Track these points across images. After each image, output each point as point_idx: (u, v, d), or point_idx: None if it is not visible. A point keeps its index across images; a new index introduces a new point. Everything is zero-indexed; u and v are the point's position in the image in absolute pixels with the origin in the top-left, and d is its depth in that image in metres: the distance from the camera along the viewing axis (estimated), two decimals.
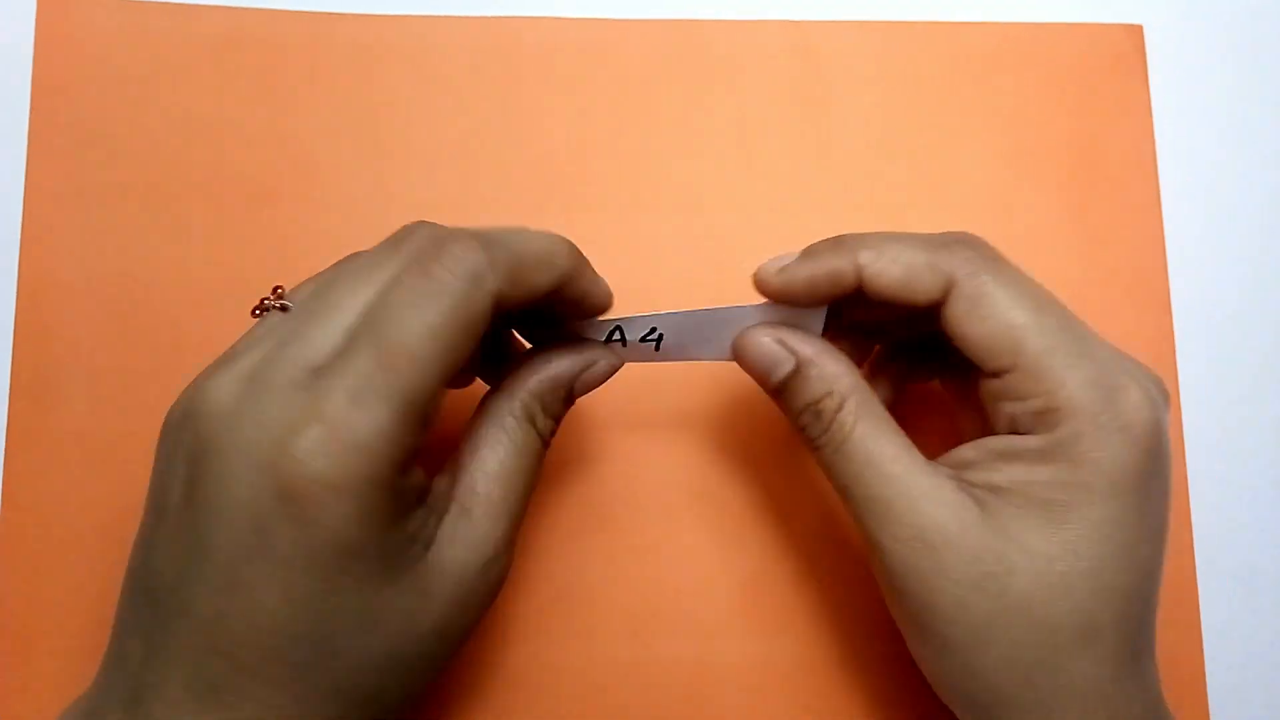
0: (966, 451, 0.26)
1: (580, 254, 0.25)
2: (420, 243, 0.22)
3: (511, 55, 0.33)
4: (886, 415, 0.25)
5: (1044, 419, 0.24)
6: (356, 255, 0.24)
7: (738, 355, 0.27)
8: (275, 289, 0.24)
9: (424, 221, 0.23)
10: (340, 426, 0.20)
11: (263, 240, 0.31)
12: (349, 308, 0.21)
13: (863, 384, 0.25)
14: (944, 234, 0.26)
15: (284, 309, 0.23)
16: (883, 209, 0.33)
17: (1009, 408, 0.25)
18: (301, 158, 0.32)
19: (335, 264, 0.24)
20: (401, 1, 0.33)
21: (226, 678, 0.20)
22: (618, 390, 0.31)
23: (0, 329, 0.31)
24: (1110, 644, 0.24)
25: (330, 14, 0.33)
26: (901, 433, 0.25)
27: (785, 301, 0.26)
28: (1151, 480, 0.24)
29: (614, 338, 0.27)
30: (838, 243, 0.26)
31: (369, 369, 0.20)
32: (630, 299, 0.32)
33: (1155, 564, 0.24)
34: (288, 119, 0.32)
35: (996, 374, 0.25)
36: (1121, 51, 0.35)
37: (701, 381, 0.32)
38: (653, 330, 0.27)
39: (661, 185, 0.33)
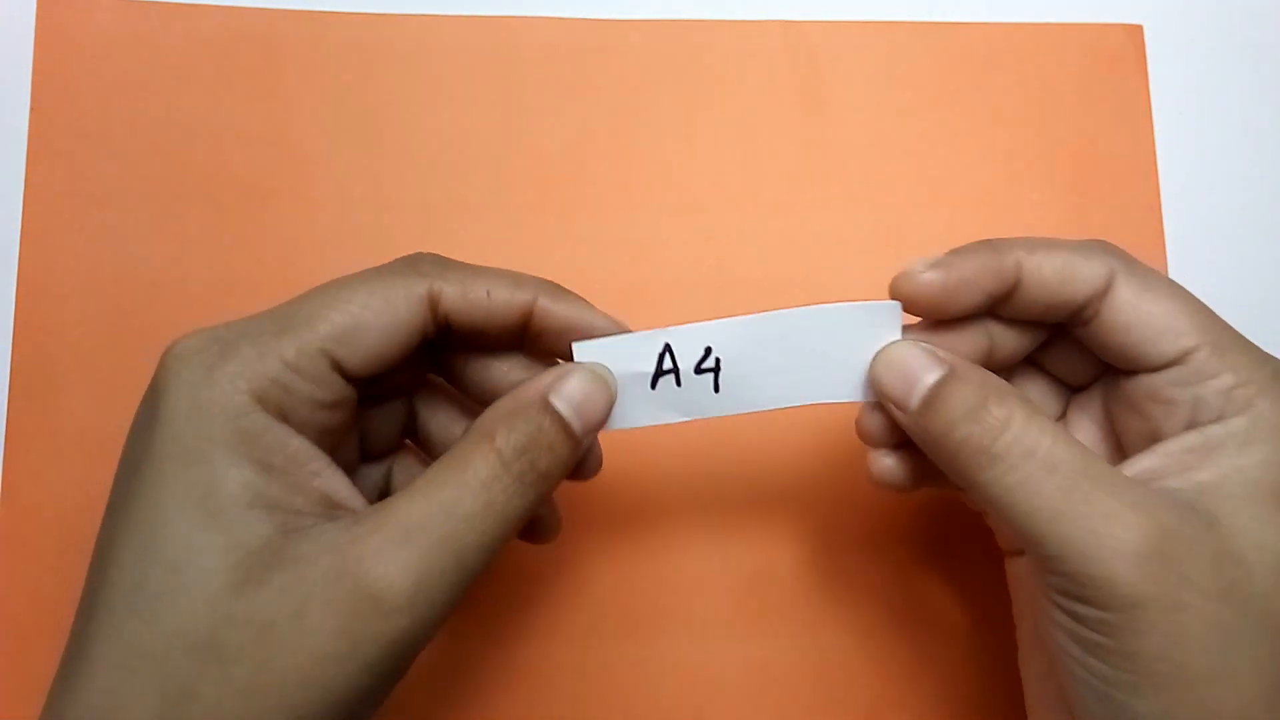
0: (1146, 461, 0.22)
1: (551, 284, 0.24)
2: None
3: (510, 55, 0.33)
4: (1067, 429, 0.23)
5: (1237, 397, 0.22)
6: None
7: (875, 372, 0.23)
8: None
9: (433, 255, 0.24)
10: (257, 358, 0.20)
11: (261, 239, 0.31)
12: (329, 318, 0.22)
13: (1027, 399, 0.22)
14: (1081, 240, 0.24)
15: None
16: (882, 208, 0.33)
17: (1190, 394, 0.22)
18: (300, 157, 0.32)
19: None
20: (401, 1, 0.33)
21: (82, 647, 0.20)
22: None
23: (0, 328, 0.31)
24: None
25: (329, 13, 0.33)
26: (1088, 458, 0.21)
27: (930, 306, 0.23)
28: None
29: (664, 369, 0.24)
30: (990, 243, 0.24)
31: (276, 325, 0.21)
32: (629, 299, 0.32)
33: None
34: (286, 118, 0.32)
35: (1171, 362, 0.22)
36: (1121, 51, 0.35)
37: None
38: (707, 354, 0.23)
39: (660, 185, 0.33)
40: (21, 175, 0.31)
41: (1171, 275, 0.33)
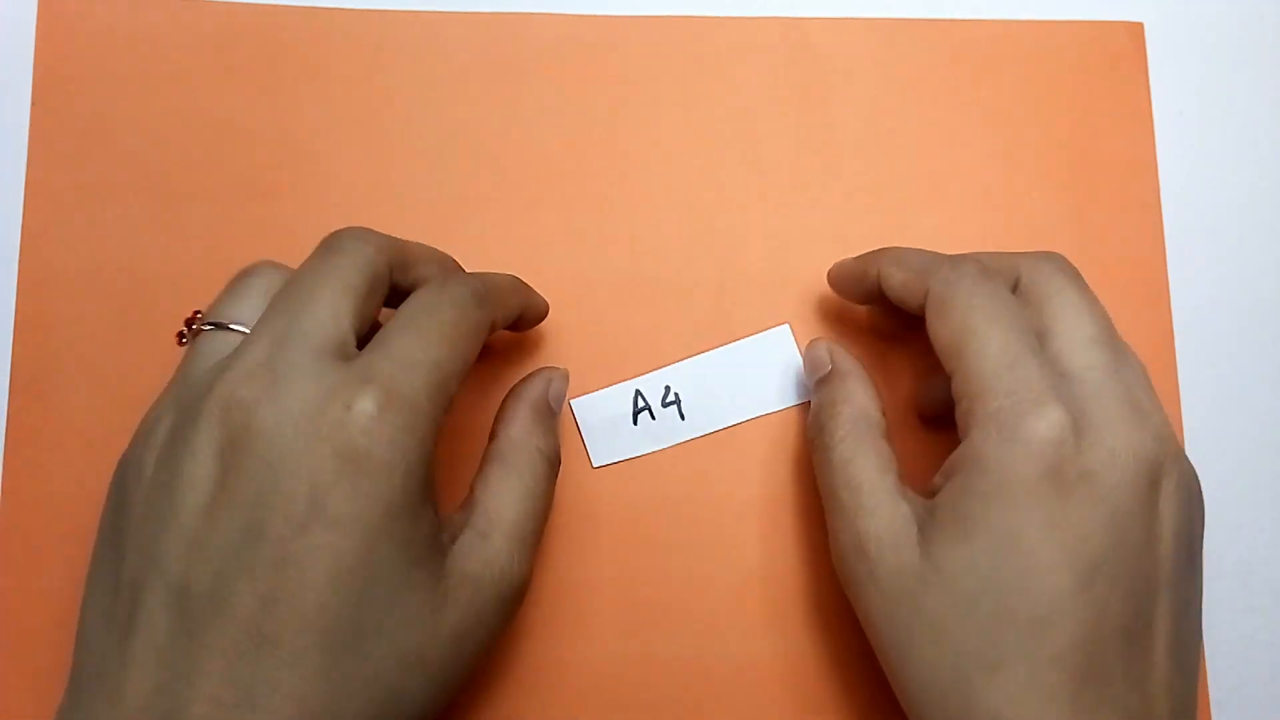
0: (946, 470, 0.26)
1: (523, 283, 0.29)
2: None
3: (512, 51, 0.33)
4: (880, 439, 0.27)
5: (966, 425, 0.25)
6: (300, 269, 0.25)
7: (804, 359, 0.31)
8: (193, 316, 0.26)
9: (352, 231, 0.26)
10: (393, 387, 0.22)
11: (263, 235, 0.31)
12: (322, 299, 0.24)
13: (872, 408, 0.28)
14: (959, 255, 0.27)
15: (220, 327, 0.25)
16: (882, 206, 0.33)
17: (957, 414, 0.26)
18: (302, 153, 0.32)
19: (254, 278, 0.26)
20: None
21: (264, 674, 0.21)
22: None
23: (1, 324, 0.31)
24: (1021, 677, 0.23)
25: (331, 9, 0.33)
26: (888, 456, 0.27)
27: (837, 291, 0.31)
28: (1061, 505, 0.23)
29: (639, 407, 0.31)
30: (876, 251, 0.29)
31: (408, 345, 0.23)
32: (630, 295, 0.32)
33: (1085, 604, 0.23)
34: (288, 114, 0.32)
35: (951, 378, 0.26)
36: (1122, 49, 0.35)
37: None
38: (668, 391, 0.31)
39: (661, 182, 0.33)
40: (22, 170, 0.31)
41: (1171, 274, 0.33)
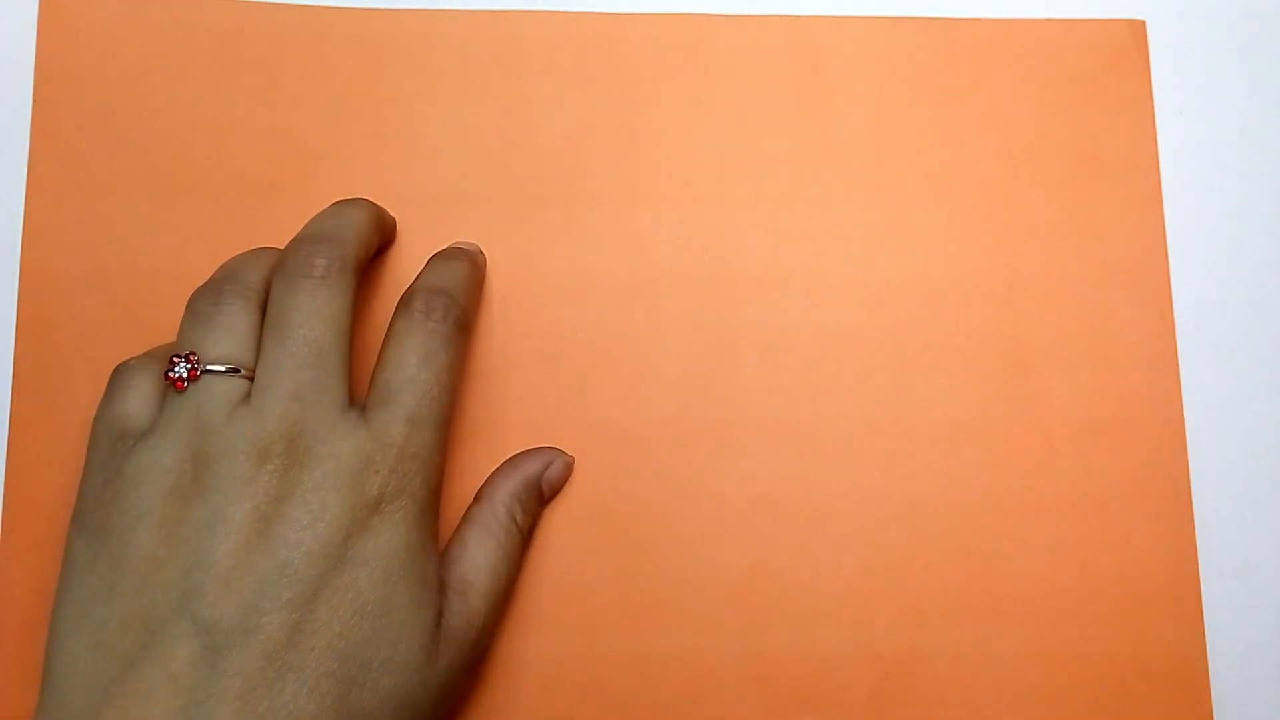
0: None
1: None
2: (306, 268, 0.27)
3: (512, 49, 0.33)
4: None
5: None
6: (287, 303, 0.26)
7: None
8: (189, 360, 0.26)
9: (331, 249, 0.27)
10: (406, 447, 0.25)
11: (265, 234, 0.31)
12: (333, 352, 0.26)
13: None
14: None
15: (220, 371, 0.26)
16: (883, 204, 0.33)
17: None
18: (303, 151, 0.32)
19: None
20: None
21: (283, 702, 0.22)
22: (617, 390, 0.31)
23: (3, 322, 0.31)
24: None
25: (332, 8, 0.33)
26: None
27: None
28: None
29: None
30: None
31: (411, 404, 0.25)
32: (631, 293, 0.32)
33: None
34: (290, 112, 0.32)
35: None
36: (1123, 47, 0.34)
37: (704, 381, 0.32)
38: None
39: (662, 180, 0.33)
40: (24, 168, 0.31)
41: (1173, 273, 0.33)
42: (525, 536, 0.29)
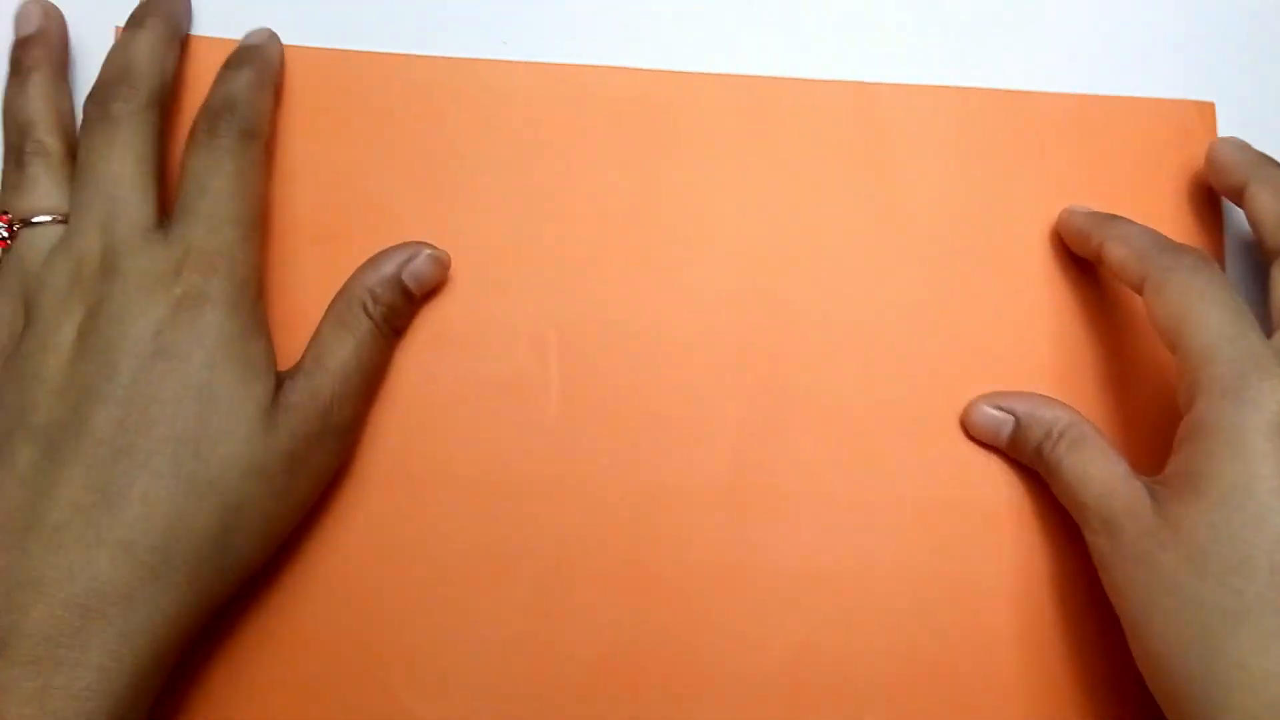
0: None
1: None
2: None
3: (577, 104, 0.33)
4: (1097, 439, 0.29)
5: (1189, 397, 0.27)
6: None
7: (965, 428, 0.32)
8: (3, 220, 0.29)
9: (120, 91, 0.29)
10: (208, 247, 0.27)
11: (326, 281, 0.31)
12: (126, 181, 0.28)
13: (1076, 417, 0.30)
14: (1163, 244, 0.30)
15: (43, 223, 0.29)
16: (944, 275, 0.33)
17: (1179, 392, 0.27)
18: (364, 201, 0.32)
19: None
20: (467, 45, 0.33)
21: (118, 477, 0.25)
22: (670, 453, 0.31)
23: None
24: (1267, 625, 0.24)
25: (396, 55, 0.33)
26: (1110, 451, 0.29)
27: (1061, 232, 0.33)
28: None
29: None
30: (1105, 217, 0.31)
31: (210, 208, 0.28)
32: (693, 355, 0.32)
33: None
34: (351, 161, 0.32)
35: (1174, 356, 0.28)
36: (1191, 128, 0.34)
37: (758, 448, 0.31)
38: None
39: (720, 240, 0.33)
40: None
41: None
42: (381, 325, 0.30)
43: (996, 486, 0.32)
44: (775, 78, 0.34)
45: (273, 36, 0.32)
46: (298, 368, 0.29)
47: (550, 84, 0.33)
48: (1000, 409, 0.31)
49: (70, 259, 0.27)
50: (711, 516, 0.31)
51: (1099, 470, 0.28)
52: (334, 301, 0.30)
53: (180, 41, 0.32)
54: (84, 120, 0.29)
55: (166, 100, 0.30)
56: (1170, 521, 0.26)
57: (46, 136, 0.29)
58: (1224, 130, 0.34)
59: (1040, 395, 0.31)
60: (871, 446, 0.32)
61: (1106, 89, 0.34)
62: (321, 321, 0.30)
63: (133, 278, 0.27)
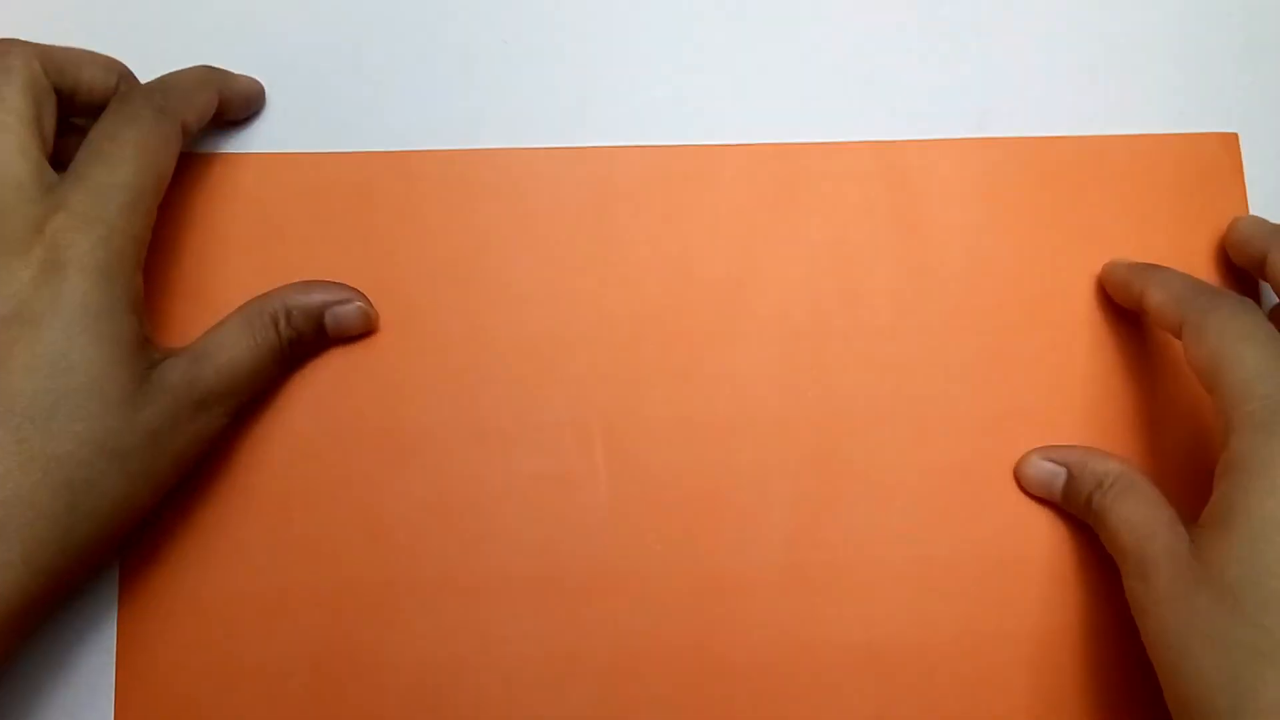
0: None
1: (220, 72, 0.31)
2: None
3: (603, 185, 0.33)
4: (1147, 487, 0.29)
5: (1225, 436, 0.27)
6: None
7: (1020, 481, 0.32)
8: None
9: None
10: (85, 210, 0.26)
11: (362, 381, 0.31)
12: (4, 136, 0.26)
13: (1127, 468, 0.30)
14: (1216, 287, 0.30)
15: None
16: (982, 329, 0.33)
17: (1218, 433, 0.27)
18: (396, 300, 0.32)
19: None
20: (491, 135, 0.33)
21: None
22: (723, 535, 0.30)
23: None
24: None
25: (419, 152, 0.32)
26: (1158, 499, 0.28)
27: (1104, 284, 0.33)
28: None
29: None
30: (1147, 266, 0.31)
31: (97, 172, 0.26)
32: (732, 433, 0.31)
33: None
34: (381, 260, 0.32)
35: (1212, 398, 0.27)
36: (1217, 161, 0.34)
37: (811, 523, 0.31)
38: None
39: (759, 315, 0.32)
40: None
41: None
42: (285, 346, 0.30)
43: (1055, 543, 0.31)
44: (798, 144, 0.33)
45: (253, 80, 0.32)
46: (184, 351, 0.28)
47: (573, 168, 0.33)
48: (1053, 461, 0.31)
49: None
50: (770, 596, 0.31)
51: (1143, 516, 0.28)
52: (248, 304, 0.30)
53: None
54: None
55: (36, 63, 0.28)
56: (1205, 560, 0.25)
57: None
58: (1249, 162, 0.34)
59: (1091, 448, 0.31)
60: (925, 511, 0.31)
61: (1126, 127, 0.34)
62: (226, 318, 0.29)
63: (0, 236, 0.26)
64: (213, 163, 0.32)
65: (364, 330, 0.31)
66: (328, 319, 0.30)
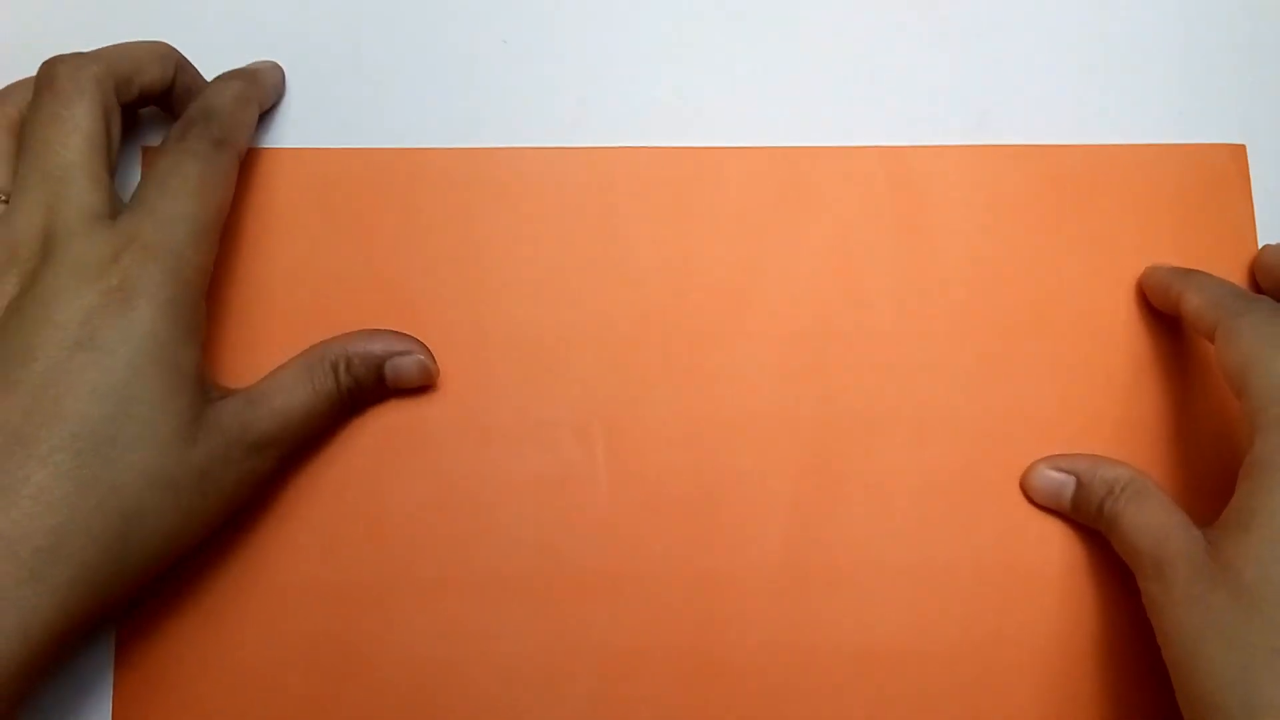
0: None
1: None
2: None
3: (608, 186, 0.33)
4: (1158, 493, 0.29)
5: (1251, 438, 0.27)
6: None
7: (1026, 491, 0.31)
8: None
9: (67, 70, 0.28)
10: (154, 241, 0.26)
11: None
12: (76, 163, 0.27)
13: (1137, 474, 0.30)
14: (1252, 293, 0.30)
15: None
16: (986, 334, 0.32)
17: (1245, 435, 0.27)
18: (402, 298, 0.32)
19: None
20: (491, 135, 0.33)
21: (14, 469, 0.24)
22: (724, 535, 0.30)
23: None
24: None
25: (424, 149, 0.33)
26: (1170, 504, 0.29)
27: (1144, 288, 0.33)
28: None
29: None
30: (1185, 271, 0.32)
31: (163, 205, 0.27)
32: (734, 434, 0.31)
33: None
34: (386, 258, 0.32)
35: (1240, 402, 0.28)
36: (1224, 172, 0.34)
37: (812, 525, 0.31)
38: None
39: (763, 316, 0.32)
40: None
41: None
42: (343, 394, 0.30)
43: (1055, 549, 0.31)
44: (804, 148, 0.33)
45: (274, 66, 0.32)
46: (242, 393, 0.28)
47: (577, 168, 0.33)
48: (1061, 470, 0.31)
49: (7, 235, 0.27)
50: (769, 598, 0.31)
51: (1158, 519, 0.28)
52: (309, 350, 0.30)
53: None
54: (32, 99, 0.28)
55: (112, 86, 0.28)
56: (1222, 560, 0.26)
57: (3, 109, 0.28)
58: (1256, 172, 0.34)
59: (1100, 456, 0.31)
60: (925, 515, 0.31)
61: (1130, 134, 0.34)
62: (288, 362, 0.29)
63: (68, 262, 0.26)
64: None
65: (423, 383, 0.31)
66: (387, 370, 0.30)
